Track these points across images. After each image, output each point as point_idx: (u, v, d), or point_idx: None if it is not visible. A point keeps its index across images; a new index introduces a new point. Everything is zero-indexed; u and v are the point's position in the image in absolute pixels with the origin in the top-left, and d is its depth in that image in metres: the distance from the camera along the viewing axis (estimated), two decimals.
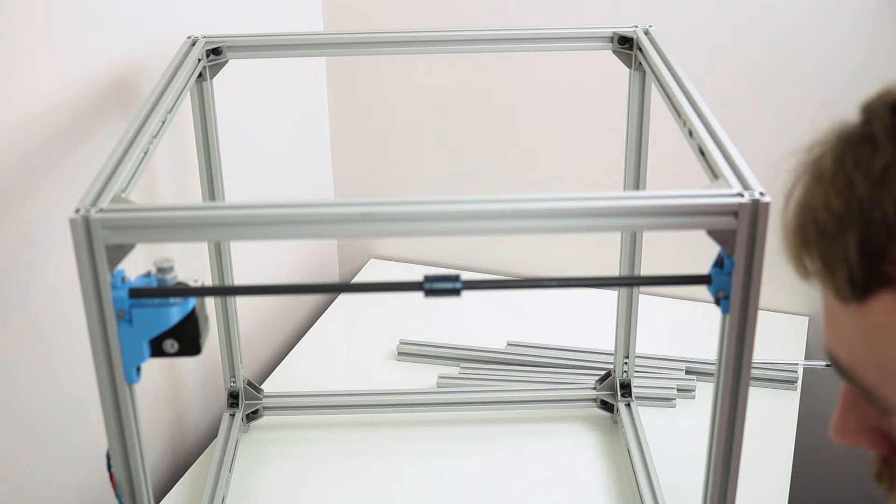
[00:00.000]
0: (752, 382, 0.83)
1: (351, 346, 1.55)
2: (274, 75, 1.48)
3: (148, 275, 0.80)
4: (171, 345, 0.80)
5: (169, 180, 1.28)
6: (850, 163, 0.46)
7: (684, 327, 1.54)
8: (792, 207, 0.50)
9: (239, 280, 1.28)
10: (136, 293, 0.79)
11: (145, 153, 0.89)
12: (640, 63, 1.12)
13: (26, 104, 1.02)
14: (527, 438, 1.32)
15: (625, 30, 1.14)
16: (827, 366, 0.51)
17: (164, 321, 0.80)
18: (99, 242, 0.77)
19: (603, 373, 1.35)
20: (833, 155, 0.48)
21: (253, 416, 1.33)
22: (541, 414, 1.36)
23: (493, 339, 1.51)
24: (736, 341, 0.81)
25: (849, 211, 0.46)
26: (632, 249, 1.23)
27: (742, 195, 0.78)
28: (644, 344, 1.39)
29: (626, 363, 1.32)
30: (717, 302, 0.81)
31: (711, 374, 1.39)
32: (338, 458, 1.29)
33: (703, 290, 0.82)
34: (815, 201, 0.48)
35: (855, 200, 0.46)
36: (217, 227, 0.81)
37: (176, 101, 0.99)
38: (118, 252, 0.78)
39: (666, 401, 1.38)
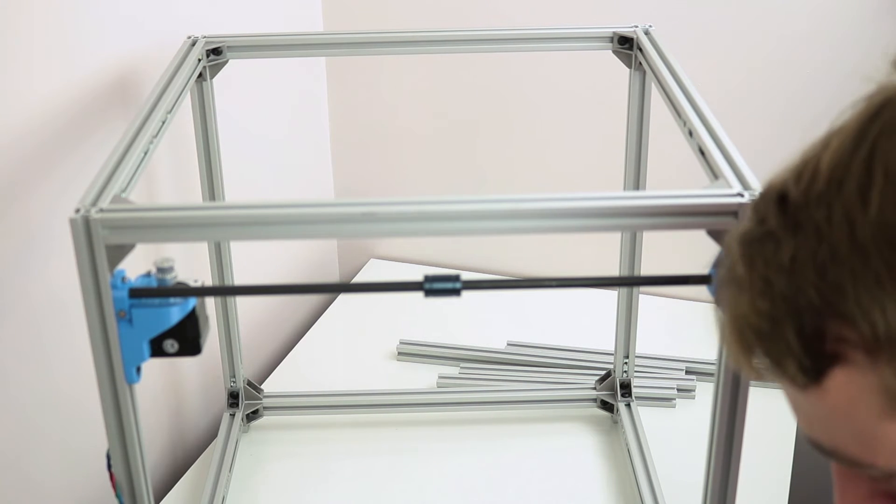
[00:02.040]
0: (752, 382, 0.83)
1: (351, 346, 1.55)
2: (274, 75, 1.48)
3: (148, 275, 0.80)
4: (171, 345, 0.80)
5: (169, 180, 1.28)
6: (761, 263, 0.48)
7: (684, 327, 1.54)
8: (726, 321, 0.51)
9: (239, 280, 1.28)
10: (136, 293, 0.79)
11: (145, 153, 0.89)
12: (640, 63, 1.12)
13: (26, 104, 1.02)
14: (527, 438, 1.32)
15: (625, 30, 1.14)
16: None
17: (164, 321, 0.80)
18: (99, 242, 0.77)
19: (603, 373, 1.35)
20: (744, 261, 0.49)
21: (253, 416, 1.33)
22: (541, 414, 1.36)
23: (493, 339, 1.51)
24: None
25: (776, 307, 0.47)
26: (632, 249, 1.23)
27: (742, 195, 0.78)
28: (644, 344, 1.39)
29: (626, 363, 1.32)
30: (717, 302, 0.81)
31: (711, 374, 1.39)
32: (338, 458, 1.29)
33: (703, 290, 0.82)
34: (744, 308, 0.49)
35: (778, 296, 0.47)
36: (217, 227, 0.81)
37: (176, 101, 0.99)
38: (118, 252, 0.78)
39: (666, 401, 1.38)
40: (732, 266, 0.50)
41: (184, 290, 0.80)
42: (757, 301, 0.48)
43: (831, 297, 0.46)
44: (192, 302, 0.80)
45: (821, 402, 0.49)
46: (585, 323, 1.55)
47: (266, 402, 1.34)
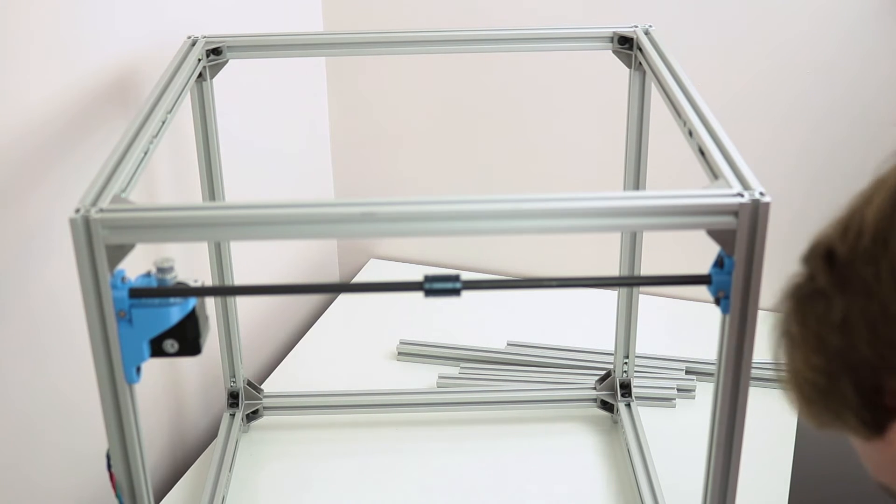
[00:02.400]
0: (752, 382, 0.83)
1: (351, 346, 1.55)
2: (274, 75, 1.48)
3: (148, 275, 0.80)
4: (171, 345, 0.80)
5: (169, 180, 1.28)
6: (813, 320, 0.49)
7: (684, 327, 1.54)
8: (786, 377, 0.52)
9: (239, 280, 1.28)
10: (136, 293, 0.79)
11: (145, 153, 0.89)
12: (640, 63, 1.12)
13: (27, 104, 1.02)
14: (527, 438, 1.32)
15: (625, 30, 1.14)
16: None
17: (164, 321, 0.80)
18: (99, 242, 0.77)
19: (603, 373, 1.35)
20: (796, 318, 0.51)
21: (253, 416, 1.33)
22: (541, 414, 1.36)
23: (493, 339, 1.51)
24: (736, 341, 0.81)
25: (831, 363, 0.48)
26: (632, 249, 1.23)
27: (742, 195, 0.78)
28: (644, 344, 1.39)
29: (626, 363, 1.32)
30: (717, 302, 0.81)
31: (711, 374, 1.39)
32: (338, 458, 1.29)
33: (703, 290, 0.82)
34: (799, 365, 0.50)
35: (832, 352, 0.48)
36: (217, 227, 0.81)
37: (176, 102, 0.99)
38: (118, 252, 0.78)
39: (666, 401, 1.38)
40: (785, 321, 0.51)
41: (184, 290, 0.80)
42: (811, 357, 0.49)
43: (885, 352, 0.46)
44: (192, 302, 0.80)
45: (886, 452, 0.49)
46: (585, 323, 1.55)
47: (266, 402, 1.34)
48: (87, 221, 0.76)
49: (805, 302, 0.50)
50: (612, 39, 1.15)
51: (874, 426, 0.48)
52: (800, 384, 0.51)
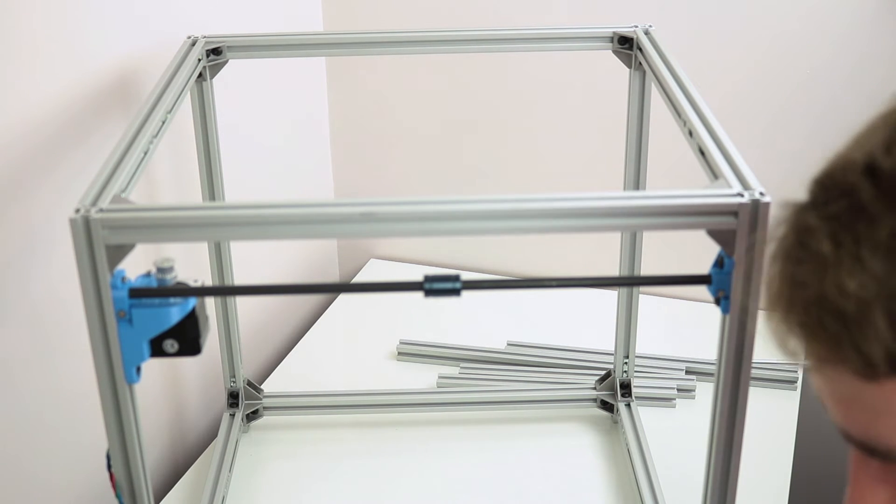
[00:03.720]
0: (752, 382, 0.83)
1: (351, 346, 1.55)
2: (274, 75, 1.48)
3: (148, 275, 0.80)
4: (171, 345, 0.80)
5: (169, 180, 1.28)
6: (850, 240, 0.45)
7: (684, 327, 1.54)
8: (800, 304, 0.47)
9: (239, 280, 1.28)
10: (136, 293, 0.79)
11: (145, 153, 0.89)
12: (640, 63, 1.12)
13: (27, 104, 1.02)
14: (527, 438, 1.32)
15: (625, 30, 1.14)
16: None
17: (164, 321, 0.80)
18: (99, 242, 0.77)
19: (603, 373, 1.35)
20: (829, 238, 0.45)
21: (253, 416, 1.33)
22: (541, 414, 1.36)
23: (493, 339, 1.51)
24: (736, 341, 0.81)
25: (866, 289, 0.44)
26: (632, 249, 1.23)
27: (742, 195, 0.78)
28: (644, 344, 1.39)
29: (626, 363, 1.32)
30: (717, 302, 0.81)
31: (711, 374, 1.39)
32: (338, 458, 1.29)
33: (703, 290, 0.82)
34: (827, 288, 0.45)
35: (870, 277, 0.44)
36: (217, 227, 0.81)
37: (176, 101, 0.99)
38: (118, 252, 0.78)
39: (666, 401, 1.38)
40: (804, 241, 0.46)
41: (184, 290, 0.80)
42: (845, 280, 0.44)
43: None
44: (192, 302, 0.80)
45: (884, 394, 0.46)
46: (585, 323, 1.55)
47: (266, 402, 1.34)
48: (87, 221, 0.76)
49: (840, 218, 0.45)
50: (612, 39, 1.15)
51: (894, 364, 0.44)
52: (819, 311, 0.45)
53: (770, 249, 0.49)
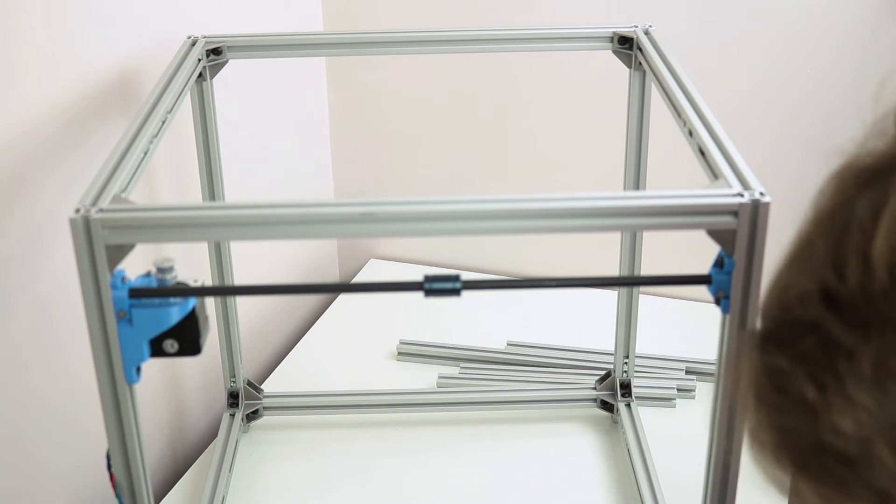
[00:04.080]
0: None
1: (351, 346, 1.55)
2: (274, 75, 1.48)
3: (148, 275, 0.80)
4: (171, 345, 0.80)
5: (169, 180, 1.28)
6: (833, 381, 0.41)
7: (684, 327, 1.54)
8: (794, 451, 0.45)
9: (239, 280, 1.28)
10: (136, 293, 0.79)
11: (145, 153, 0.89)
12: (640, 63, 1.12)
13: (27, 104, 1.02)
14: (527, 438, 1.32)
15: (625, 30, 1.14)
16: None
17: (164, 321, 0.79)
18: (99, 242, 0.77)
19: (603, 373, 1.35)
20: (809, 381, 0.42)
21: (253, 416, 1.33)
22: (541, 414, 1.36)
23: (493, 339, 1.51)
24: (736, 341, 0.81)
25: (863, 426, 0.41)
26: (632, 249, 1.23)
27: (742, 195, 0.78)
28: (644, 344, 1.39)
29: (626, 363, 1.32)
30: (717, 302, 0.81)
31: (711, 374, 1.39)
32: (338, 458, 1.29)
33: (703, 290, 0.82)
34: (824, 435, 0.43)
35: (864, 412, 0.41)
36: (217, 227, 0.81)
37: (176, 101, 0.99)
38: (118, 252, 0.78)
39: (666, 401, 1.38)
40: (786, 386, 0.43)
41: (184, 290, 0.80)
42: (838, 423, 0.41)
43: None
44: (192, 302, 0.80)
45: None
46: (585, 323, 1.55)
47: (266, 402, 1.34)
48: (87, 221, 0.76)
49: (814, 358, 0.42)
50: (612, 39, 1.15)
51: None
52: (820, 458, 0.43)
53: (740, 391, 0.46)
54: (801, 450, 0.44)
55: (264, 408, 1.34)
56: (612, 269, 1.29)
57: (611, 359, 1.35)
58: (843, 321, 0.41)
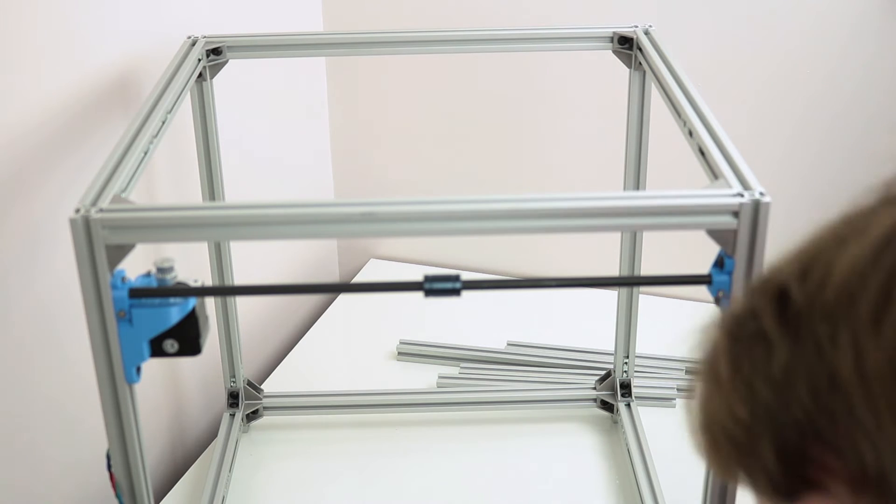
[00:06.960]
0: None
1: (351, 346, 1.55)
2: (274, 75, 1.48)
3: (148, 275, 0.80)
4: (171, 345, 0.80)
5: (169, 180, 1.28)
6: (747, 366, 0.43)
7: (684, 327, 1.54)
8: (698, 420, 0.46)
9: (239, 280, 1.28)
10: (136, 293, 0.79)
11: (145, 153, 0.89)
12: (640, 63, 1.12)
13: (27, 104, 1.02)
14: (527, 438, 1.32)
15: (625, 30, 1.14)
16: None
17: (164, 321, 0.80)
18: (99, 242, 0.77)
19: (603, 373, 1.35)
20: (727, 360, 0.44)
21: (253, 416, 1.33)
22: (541, 414, 1.36)
23: (493, 339, 1.51)
24: None
25: (756, 419, 0.43)
26: (632, 249, 1.23)
27: (742, 195, 0.78)
28: (644, 344, 1.39)
29: (626, 363, 1.32)
30: (717, 302, 0.81)
31: None
32: (338, 458, 1.29)
33: (703, 290, 0.82)
34: (719, 411, 0.44)
35: (761, 407, 0.42)
36: (217, 227, 0.81)
37: (176, 101, 0.99)
38: (118, 252, 0.78)
39: (666, 401, 1.38)
40: (714, 359, 0.45)
41: (184, 290, 0.80)
42: (736, 407, 0.43)
43: (820, 421, 0.40)
44: (192, 302, 0.80)
45: None
46: (585, 323, 1.55)
47: (266, 402, 1.34)
48: (87, 221, 0.76)
49: (742, 342, 0.43)
50: (612, 39, 1.15)
51: (787, 495, 0.43)
52: (713, 431, 0.45)
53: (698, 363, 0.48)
54: (704, 422, 0.46)
55: (264, 408, 1.34)
56: (612, 269, 1.29)
57: (611, 359, 1.35)
58: (780, 319, 0.42)
